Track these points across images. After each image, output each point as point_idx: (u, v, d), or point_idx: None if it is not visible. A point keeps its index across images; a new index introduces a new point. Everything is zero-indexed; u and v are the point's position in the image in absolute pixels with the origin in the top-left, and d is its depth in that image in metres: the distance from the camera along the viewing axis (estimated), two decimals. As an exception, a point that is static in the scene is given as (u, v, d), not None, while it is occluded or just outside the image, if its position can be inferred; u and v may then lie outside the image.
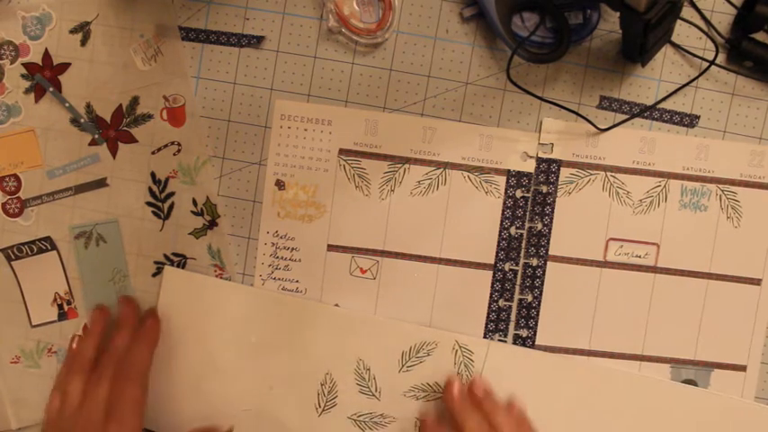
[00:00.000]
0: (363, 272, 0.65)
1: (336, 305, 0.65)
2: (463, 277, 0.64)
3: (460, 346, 0.64)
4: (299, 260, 0.65)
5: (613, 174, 0.64)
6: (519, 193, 0.64)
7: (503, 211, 0.64)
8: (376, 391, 0.64)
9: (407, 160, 0.64)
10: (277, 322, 0.64)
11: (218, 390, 0.65)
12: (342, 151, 0.64)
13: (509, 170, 0.64)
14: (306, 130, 0.64)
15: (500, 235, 0.64)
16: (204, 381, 0.65)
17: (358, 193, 0.64)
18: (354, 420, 0.65)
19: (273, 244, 0.65)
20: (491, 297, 0.64)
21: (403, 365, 0.64)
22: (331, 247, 0.65)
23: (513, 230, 0.64)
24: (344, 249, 0.65)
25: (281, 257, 0.65)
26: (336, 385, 0.64)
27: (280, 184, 0.64)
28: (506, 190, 0.64)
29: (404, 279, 0.64)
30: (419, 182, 0.64)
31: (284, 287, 0.65)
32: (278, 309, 0.64)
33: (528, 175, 0.64)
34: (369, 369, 0.64)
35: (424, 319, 0.64)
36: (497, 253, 0.64)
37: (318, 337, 0.64)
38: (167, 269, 0.65)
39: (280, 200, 0.65)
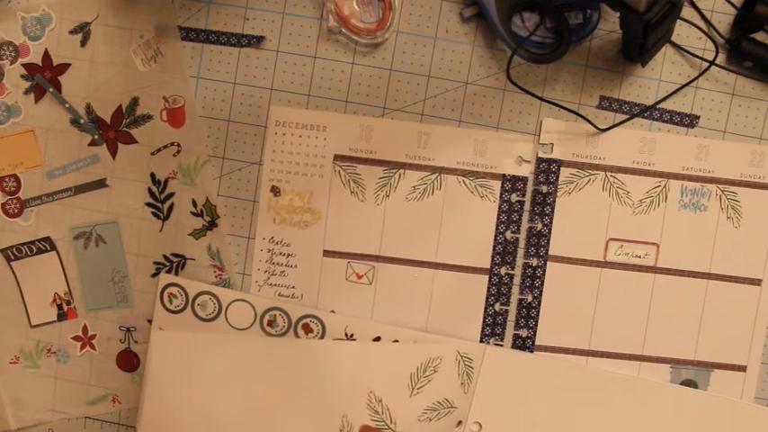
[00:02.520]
0: (359, 277, 0.64)
1: (332, 311, 0.65)
2: (459, 282, 0.64)
3: (462, 356, 0.63)
4: (295, 266, 0.65)
5: (613, 174, 0.64)
6: (514, 198, 0.64)
7: (498, 215, 0.64)
8: (391, 422, 0.63)
9: (402, 165, 0.64)
10: (278, 368, 0.63)
11: None
12: (337, 157, 0.64)
13: (504, 174, 0.64)
14: (301, 136, 0.64)
15: (495, 239, 0.64)
16: None
17: (353, 199, 0.64)
18: None
19: (269, 250, 0.65)
20: (487, 301, 0.64)
21: (413, 388, 0.63)
22: (327, 253, 0.65)
23: (508, 234, 0.64)
24: (340, 255, 0.65)
25: (278, 263, 0.65)
26: (353, 428, 0.63)
27: (275, 191, 0.64)
28: (501, 194, 0.64)
29: (400, 284, 0.64)
30: (414, 187, 0.64)
31: (281, 293, 0.65)
32: (276, 352, 0.63)
33: (523, 179, 0.64)
34: (381, 400, 0.63)
35: (420, 325, 0.64)
36: (493, 257, 0.64)
37: (325, 377, 0.63)
38: (154, 334, 0.64)
39: (275, 206, 0.65)
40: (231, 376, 0.63)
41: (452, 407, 0.64)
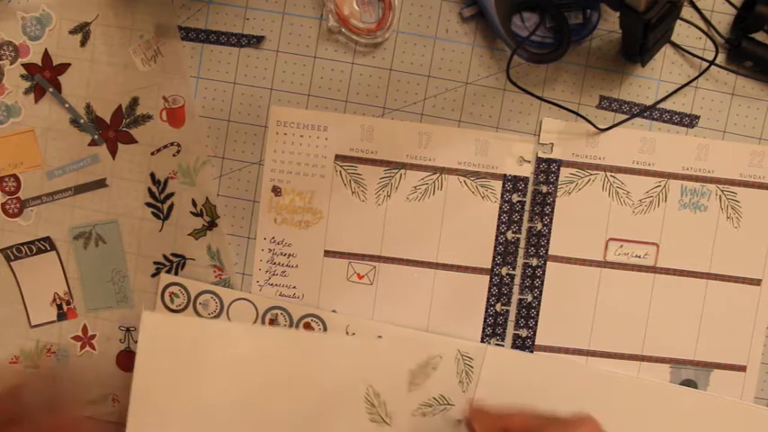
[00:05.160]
0: (360, 277, 0.64)
1: (334, 311, 0.65)
2: (460, 282, 0.64)
3: (462, 355, 0.64)
4: (296, 266, 0.65)
5: (613, 174, 0.64)
6: (515, 198, 0.64)
7: (499, 215, 0.64)
8: (386, 416, 0.64)
9: (403, 165, 0.64)
10: (274, 358, 0.63)
11: None
12: (338, 157, 0.64)
13: (505, 174, 0.64)
14: (302, 136, 0.64)
15: (497, 239, 0.64)
16: None
17: (354, 199, 0.64)
18: None
19: (270, 250, 0.65)
20: (488, 301, 0.64)
21: (411, 384, 0.63)
22: (328, 253, 0.65)
23: (509, 235, 0.64)
24: (341, 255, 0.65)
25: (279, 263, 0.65)
26: (347, 418, 0.63)
27: (276, 191, 0.64)
28: (503, 194, 0.64)
29: (401, 284, 0.64)
30: (415, 187, 0.64)
31: (281, 293, 0.65)
32: (274, 343, 0.63)
33: (524, 179, 0.64)
34: (379, 395, 0.63)
35: (421, 325, 0.64)
36: (494, 257, 0.64)
37: (323, 368, 0.63)
38: (145, 314, 0.64)
39: (276, 206, 0.65)
40: (221, 361, 0.63)
41: (448, 404, 0.64)
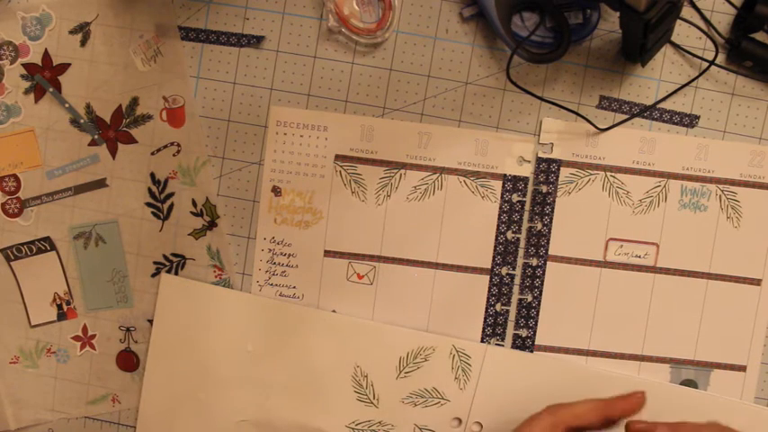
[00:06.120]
0: (360, 277, 0.65)
1: (334, 311, 0.65)
2: (460, 282, 0.64)
3: (458, 351, 0.64)
4: (296, 266, 0.65)
5: (613, 174, 0.64)
6: (515, 198, 0.64)
7: (499, 215, 0.64)
8: (374, 398, 0.64)
9: (403, 165, 0.64)
10: (273, 329, 0.64)
11: (215, 400, 0.65)
12: (338, 157, 0.64)
13: (505, 174, 0.64)
14: (302, 136, 0.64)
15: (497, 239, 0.64)
16: (200, 391, 0.65)
17: (354, 199, 0.64)
18: (352, 429, 0.64)
19: (270, 250, 0.65)
20: (488, 301, 0.64)
21: (401, 372, 0.64)
22: (328, 253, 0.65)
23: (509, 235, 0.64)
24: (341, 255, 0.65)
25: (278, 263, 0.65)
26: (333, 390, 0.64)
27: (276, 191, 0.64)
28: (503, 194, 0.64)
29: (401, 284, 0.64)
30: (415, 187, 0.64)
31: (281, 293, 0.65)
32: (274, 315, 0.64)
33: (524, 179, 0.64)
34: (366, 376, 0.64)
35: (421, 325, 0.64)
36: (494, 257, 0.64)
37: (315, 343, 0.64)
38: (164, 276, 0.65)
39: (276, 206, 0.65)
40: (229, 328, 0.65)
41: (443, 398, 0.64)
